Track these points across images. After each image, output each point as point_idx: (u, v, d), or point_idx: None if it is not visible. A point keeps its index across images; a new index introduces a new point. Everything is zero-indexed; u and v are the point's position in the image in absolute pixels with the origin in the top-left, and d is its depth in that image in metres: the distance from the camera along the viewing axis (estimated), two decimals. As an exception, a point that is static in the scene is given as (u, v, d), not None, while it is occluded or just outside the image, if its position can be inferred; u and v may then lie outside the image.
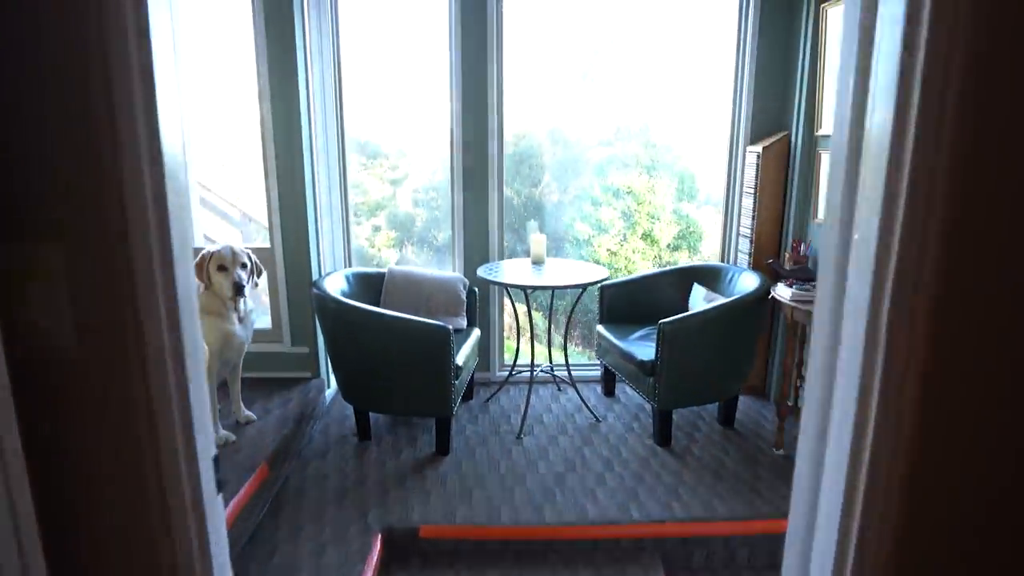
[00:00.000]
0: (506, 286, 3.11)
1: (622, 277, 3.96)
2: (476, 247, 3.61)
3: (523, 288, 3.08)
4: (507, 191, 3.62)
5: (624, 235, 10.38)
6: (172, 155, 0.93)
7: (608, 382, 3.91)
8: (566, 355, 3.65)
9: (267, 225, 3.33)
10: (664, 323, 3.14)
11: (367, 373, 3.03)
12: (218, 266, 2.71)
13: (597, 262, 10.41)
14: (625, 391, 3.91)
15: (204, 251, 2.74)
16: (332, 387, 3.66)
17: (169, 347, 0.95)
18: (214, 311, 2.73)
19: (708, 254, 11.23)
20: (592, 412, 3.54)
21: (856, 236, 0.91)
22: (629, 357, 3.32)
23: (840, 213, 0.95)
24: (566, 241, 10.83)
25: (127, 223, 0.87)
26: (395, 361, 3.03)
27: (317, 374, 3.55)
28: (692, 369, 3.30)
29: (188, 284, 1.00)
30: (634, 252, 10.45)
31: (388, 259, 12.34)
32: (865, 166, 0.88)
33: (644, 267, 10.52)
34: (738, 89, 4.14)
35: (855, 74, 0.90)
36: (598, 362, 3.85)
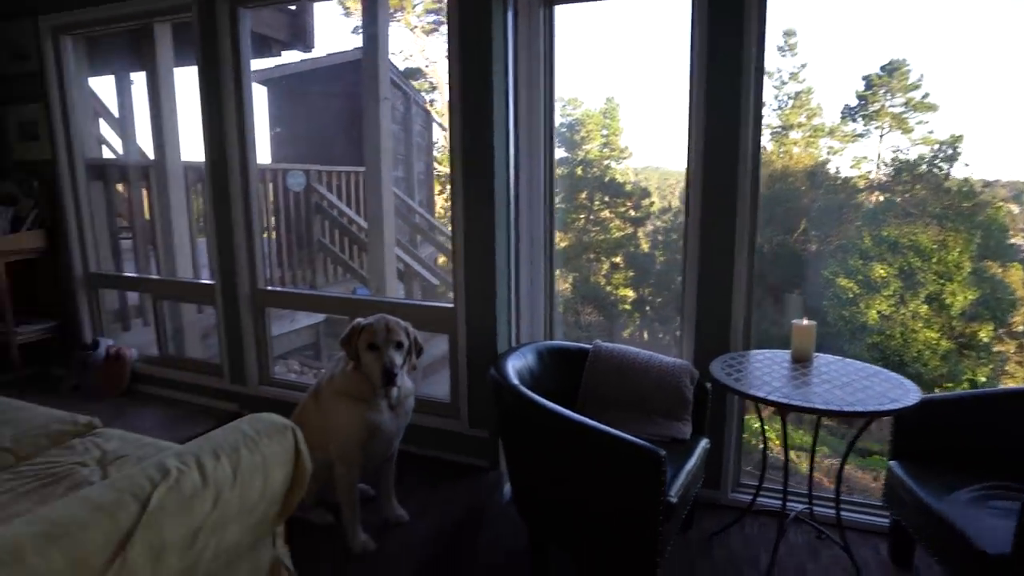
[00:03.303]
0: (754, 399, 2.13)
1: (943, 394, 2.59)
2: (712, 326, 2.67)
3: (780, 406, 2.07)
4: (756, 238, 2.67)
5: (901, 297, 8.42)
6: None
7: (901, 545, 2.59)
8: (837, 491, 2.44)
9: (451, 281, 2.79)
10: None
11: (545, 490, 2.28)
12: (368, 344, 2.18)
13: (891, 360, 8.39)
14: (933, 565, 2.54)
15: (356, 322, 2.24)
16: (513, 484, 2.95)
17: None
18: (358, 395, 2.19)
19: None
20: (873, 592, 2.35)
21: None
22: (954, 533, 2.07)
23: None
24: (823, 299, 9.10)
25: None
26: (582, 484, 2.22)
27: (496, 466, 2.88)
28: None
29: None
30: (914, 318, 8.45)
31: (624, 297, 11.80)
32: None
33: (928, 337, 8.41)
34: None
35: None
36: (885, 509, 2.63)
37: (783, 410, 2.14)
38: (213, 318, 3.47)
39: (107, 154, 5.07)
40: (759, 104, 2.52)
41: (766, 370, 2.33)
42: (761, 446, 2.57)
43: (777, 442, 3.72)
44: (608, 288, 11.60)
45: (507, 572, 2.40)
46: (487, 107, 2.64)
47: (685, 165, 2.66)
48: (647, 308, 11.53)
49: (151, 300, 3.78)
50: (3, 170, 3.77)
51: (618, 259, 11.76)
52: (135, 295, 4.24)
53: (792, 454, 5.45)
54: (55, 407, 2.24)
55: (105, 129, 5.19)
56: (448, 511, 2.52)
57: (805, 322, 2.37)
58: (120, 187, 4.46)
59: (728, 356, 2.48)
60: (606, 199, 12.58)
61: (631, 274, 12.04)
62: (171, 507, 1.16)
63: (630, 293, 11.83)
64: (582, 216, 12.33)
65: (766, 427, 2.54)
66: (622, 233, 11.91)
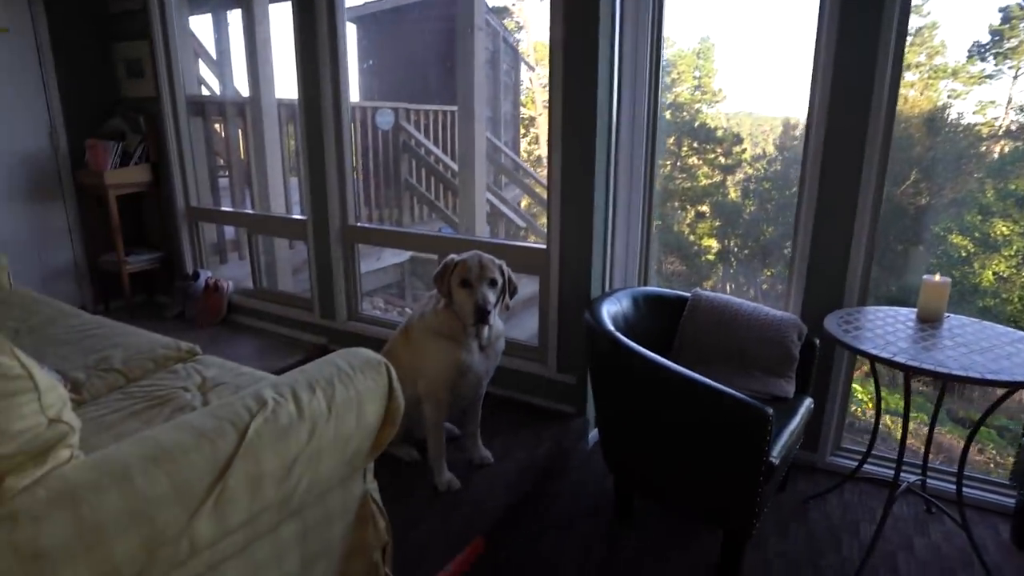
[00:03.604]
0: (878, 360, 1.92)
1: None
2: (825, 278, 2.46)
3: (908, 369, 1.87)
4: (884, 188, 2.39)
5: (1024, 257, 7.68)
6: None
7: (1025, 526, 2.35)
8: (962, 465, 2.19)
9: (536, 223, 2.68)
10: None
11: (637, 441, 2.20)
12: (461, 280, 2.10)
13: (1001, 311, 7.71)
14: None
15: (449, 258, 2.18)
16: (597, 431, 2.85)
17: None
18: (449, 334, 2.14)
19: None
20: (989, 574, 2.14)
21: None
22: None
23: None
24: (931, 257, 8.40)
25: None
26: (678, 439, 2.11)
27: (582, 412, 2.82)
28: None
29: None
30: (1037, 282, 7.69)
31: (708, 247, 11.28)
32: None
33: (1051, 303, 7.69)
34: None
35: None
36: (1011, 488, 2.40)
37: (908, 374, 1.94)
38: (304, 254, 3.53)
39: (205, 93, 5.19)
40: (902, 39, 2.22)
41: (888, 329, 2.12)
42: (874, 411, 2.38)
43: (869, 406, 3.47)
44: (692, 237, 11.10)
45: (590, 519, 2.36)
46: (591, 42, 2.45)
47: (807, 105, 2.41)
48: (732, 259, 10.98)
49: (247, 235, 3.88)
50: (112, 106, 3.91)
51: (704, 208, 11.19)
52: (231, 230, 4.38)
53: (887, 419, 5.10)
54: (160, 333, 2.33)
55: (203, 69, 5.30)
56: (533, 455, 2.49)
57: (937, 278, 2.13)
58: (217, 126, 4.56)
59: (843, 312, 2.28)
60: (695, 145, 11.93)
61: (717, 223, 11.46)
62: (268, 437, 1.15)
63: (714, 243, 11.31)
64: (668, 163, 11.77)
65: (861, 391, 2.33)
66: (710, 181, 11.29)
